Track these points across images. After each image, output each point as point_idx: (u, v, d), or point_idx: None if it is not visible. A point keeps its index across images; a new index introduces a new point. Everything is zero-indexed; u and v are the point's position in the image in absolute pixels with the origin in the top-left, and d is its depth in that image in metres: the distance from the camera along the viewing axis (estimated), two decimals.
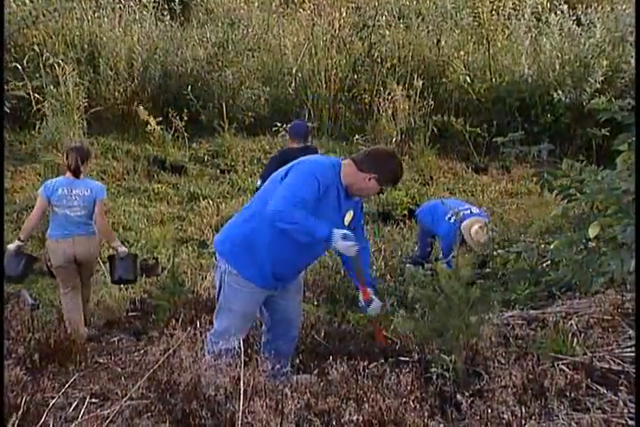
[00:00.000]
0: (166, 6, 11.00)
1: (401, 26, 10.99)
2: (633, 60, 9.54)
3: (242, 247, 3.10)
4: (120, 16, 10.55)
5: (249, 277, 3.11)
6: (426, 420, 2.38)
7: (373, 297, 3.29)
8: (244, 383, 2.50)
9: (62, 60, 8.47)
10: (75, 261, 4.60)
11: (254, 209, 3.14)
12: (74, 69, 8.15)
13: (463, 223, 5.56)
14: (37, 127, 7.39)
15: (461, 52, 10.58)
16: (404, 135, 9.66)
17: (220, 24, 10.99)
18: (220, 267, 3.18)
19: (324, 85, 10.26)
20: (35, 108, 8.03)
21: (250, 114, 10.06)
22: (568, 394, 2.51)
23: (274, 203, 2.93)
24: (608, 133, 8.51)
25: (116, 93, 9.80)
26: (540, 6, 11.10)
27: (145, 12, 10.78)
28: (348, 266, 3.40)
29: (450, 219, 5.58)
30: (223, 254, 3.17)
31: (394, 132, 9.57)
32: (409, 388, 2.58)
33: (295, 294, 3.38)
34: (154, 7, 10.86)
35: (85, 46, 9.96)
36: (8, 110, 6.68)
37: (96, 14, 10.37)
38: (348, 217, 3.18)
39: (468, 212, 5.76)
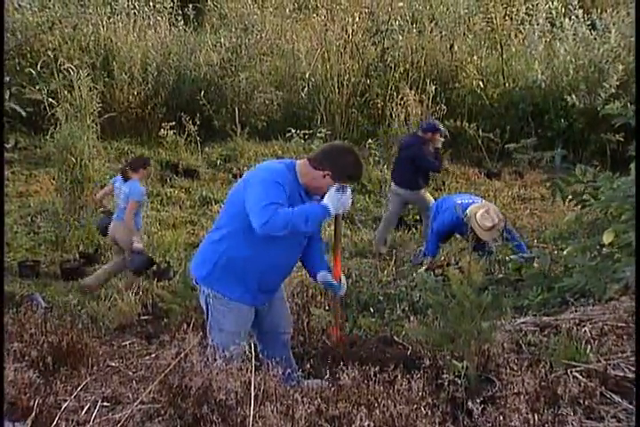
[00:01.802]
0: (180, 12, 11.10)
1: (414, 31, 10.99)
2: None
3: (222, 269, 3.06)
4: (134, 21, 10.66)
5: (237, 299, 3.08)
6: (437, 426, 2.36)
7: (342, 276, 3.27)
8: (254, 388, 2.50)
9: (77, 65, 8.55)
10: (113, 239, 5.92)
11: (224, 227, 3.11)
12: (88, 74, 8.21)
13: (467, 211, 5.47)
14: (51, 132, 7.45)
15: (474, 57, 10.56)
16: None
17: (233, 29, 11.06)
18: (202, 291, 3.14)
19: (337, 90, 10.29)
20: (49, 112, 8.11)
21: (262, 118, 10.11)
22: (582, 402, 2.48)
23: (254, 220, 2.90)
24: (622, 139, 8.50)
25: (130, 98, 9.89)
26: (554, 11, 11.06)
27: (159, 18, 10.88)
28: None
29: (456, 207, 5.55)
30: (203, 280, 3.13)
31: None
32: (420, 394, 2.56)
33: (280, 301, 3.35)
34: (168, 13, 10.96)
35: (100, 51, 10.07)
36: (24, 114, 6.73)
37: (111, 20, 10.49)
38: None
39: (469, 201, 5.71)
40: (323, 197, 3.07)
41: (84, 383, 2.84)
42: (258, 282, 3.10)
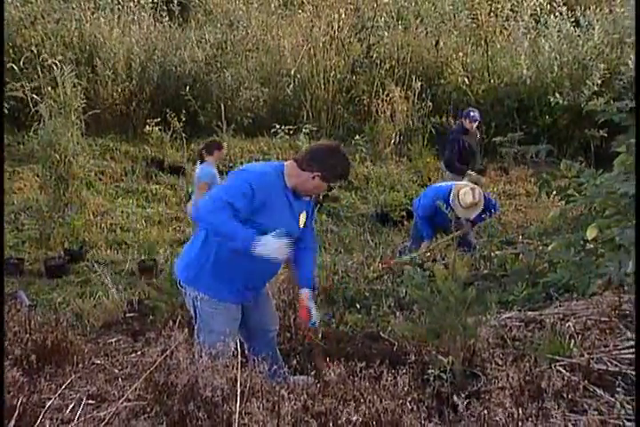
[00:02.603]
0: (165, 7, 11.02)
1: (399, 27, 11.01)
2: (631, 62, 9.56)
3: (208, 270, 3.03)
4: (118, 17, 10.57)
5: (225, 299, 3.06)
6: (423, 421, 2.38)
7: (312, 311, 3.18)
8: (240, 385, 2.49)
9: (60, 61, 8.46)
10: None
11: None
12: (72, 70, 8.13)
13: (454, 186, 5.63)
14: (35, 128, 7.38)
15: (460, 54, 10.58)
16: (402, 137, 9.68)
17: (218, 25, 11.02)
18: (189, 294, 3.10)
19: (323, 87, 10.27)
20: (32, 109, 8.03)
21: (248, 115, 10.08)
22: (565, 396, 2.50)
23: (199, 205, 2.91)
24: (606, 135, 8.57)
25: (114, 94, 9.81)
26: (538, 8, 11.12)
27: (143, 13, 10.79)
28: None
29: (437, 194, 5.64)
30: (190, 282, 3.09)
31: (392, 133, 9.58)
32: (406, 389, 2.57)
33: (265, 298, 3.35)
34: (152, 8, 10.88)
35: (84, 47, 9.97)
36: (6, 111, 6.66)
37: (94, 15, 10.38)
38: (303, 218, 3.11)
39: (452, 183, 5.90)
40: (311, 198, 3.08)
41: (68, 381, 2.82)
42: (244, 281, 3.09)
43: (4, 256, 6.36)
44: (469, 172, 7.16)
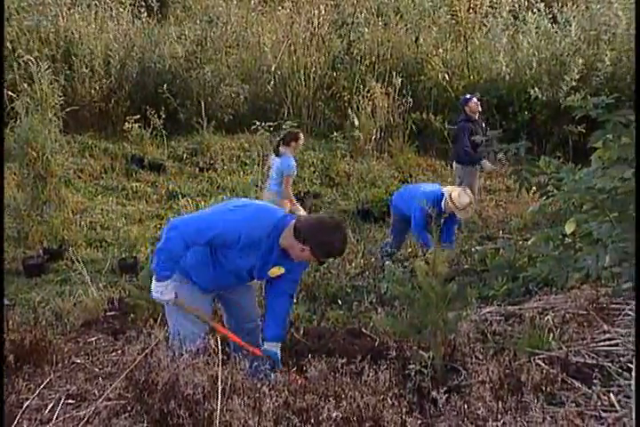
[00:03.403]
0: (143, 3, 10.90)
1: (379, 24, 11.02)
2: (607, 59, 9.67)
3: (181, 266, 3.10)
4: (96, 13, 10.43)
5: (194, 281, 3.15)
6: (403, 416, 2.39)
7: (270, 352, 3.13)
8: (222, 382, 2.49)
9: (36, 58, 8.36)
10: None
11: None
12: (49, 67, 8.03)
13: (444, 190, 5.75)
14: (11, 126, 7.27)
15: (440, 50, 10.63)
16: (383, 133, 9.70)
17: (198, 21, 10.92)
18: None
19: (304, 83, 10.26)
20: (8, 106, 7.91)
21: (229, 111, 10.03)
22: (544, 388, 2.53)
23: (183, 219, 2.99)
24: (584, 131, 8.66)
25: (93, 91, 9.70)
26: (516, 5, 11.20)
27: (121, 9, 10.67)
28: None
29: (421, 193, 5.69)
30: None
31: (373, 129, 9.59)
32: (387, 385, 2.58)
33: (245, 288, 3.35)
34: (130, 4, 10.76)
35: (60, 43, 9.83)
36: None
37: (71, 11, 10.24)
38: (276, 270, 3.09)
39: (439, 186, 5.97)
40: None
41: (47, 381, 2.79)
42: (212, 285, 3.17)
43: None
44: (483, 161, 7.27)
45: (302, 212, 6.36)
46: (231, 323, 3.36)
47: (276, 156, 6.52)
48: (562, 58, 10.02)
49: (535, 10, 10.68)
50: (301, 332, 3.76)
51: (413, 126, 9.78)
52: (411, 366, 2.87)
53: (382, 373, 2.65)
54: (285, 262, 3.07)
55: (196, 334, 3.01)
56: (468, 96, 7.57)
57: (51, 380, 2.86)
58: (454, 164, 7.60)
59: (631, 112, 3.98)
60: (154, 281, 3.00)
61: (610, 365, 2.67)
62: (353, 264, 5.62)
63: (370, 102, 9.67)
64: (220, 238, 2.94)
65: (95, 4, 10.50)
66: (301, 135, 6.73)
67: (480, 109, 7.52)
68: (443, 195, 5.71)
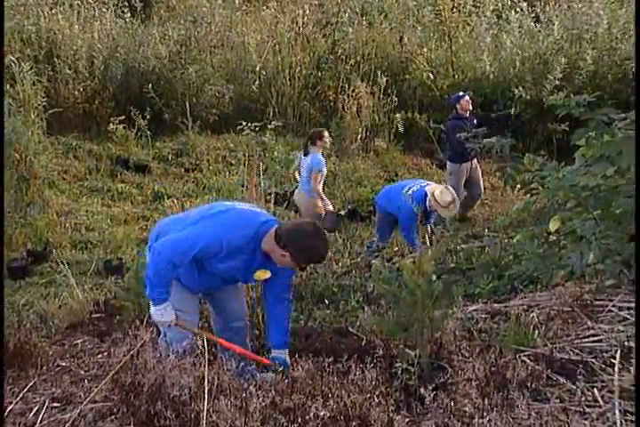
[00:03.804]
0: (126, 3, 10.83)
1: (364, 23, 11.02)
2: (589, 58, 9.76)
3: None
4: (78, 13, 10.35)
5: (182, 283, 3.18)
6: (390, 414, 2.40)
7: (279, 358, 3.14)
8: (208, 382, 2.49)
9: (18, 59, 8.27)
10: (298, 207, 6.92)
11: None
12: (31, 68, 7.96)
13: (427, 189, 5.74)
14: None
15: (424, 49, 10.65)
16: (368, 132, 9.71)
17: (182, 21, 10.87)
18: None
19: (289, 83, 10.24)
20: None
21: (214, 112, 10.00)
22: (529, 385, 2.55)
23: (168, 240, 2.99)
24: (567, 129, 8.73)
25: (76, 93, 9.63)
26: (500, 4, 11.26)
27: (104, 10, 10.59)
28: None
29: (407, 193, 5.70)
30: None
31: (358, 128, 9.61)
32: (374, 383, 2.59)
33: (233, 288, 3.37)
34: (114, 4, 10.69)
35: (43, 44, 9.74)
36: None
37: (53, 11, 10.15)
38: (262, 274, 3.10)
39: (424, 184, 5.96)
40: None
41: (31, 384, 2.77)
42: (200, 287, 3.21)
43: None
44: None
45: (331, 206, 6.64)
46: (219, 322, 3.38)
47: (305, 155, 6.68)
48: (545, 57, 10.08)
49: (518, 9, 10.75)
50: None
51: (399, 125, 9.80)
52: (397, 365, 2.88)
53: (369, 371, 2.65)
54: (270, 266, 3.09)
55: (183, 334, 3.02)
56: (460, 93, 7.61)
57: (35, 383, 2.84)
58: (447, 162, 7.69)
59: (613, 110, 4.02)
60: (152, 306, 3.03)
61: (593, 361, 2.70)
62: (340, 264, 5.61)
63: (355, 102, 9.68)
64: (205, 251, 2.97)
65: (78, 5, 10.41)
66: (326, 133, 6.85)
67: (471, 108, 7.55)
68: (427, 194, 5.73)
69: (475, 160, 7.58)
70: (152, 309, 3.04)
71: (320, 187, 6.63)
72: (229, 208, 3.14)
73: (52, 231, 6.93)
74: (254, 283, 3.20)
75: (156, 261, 2.95)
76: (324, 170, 6.68)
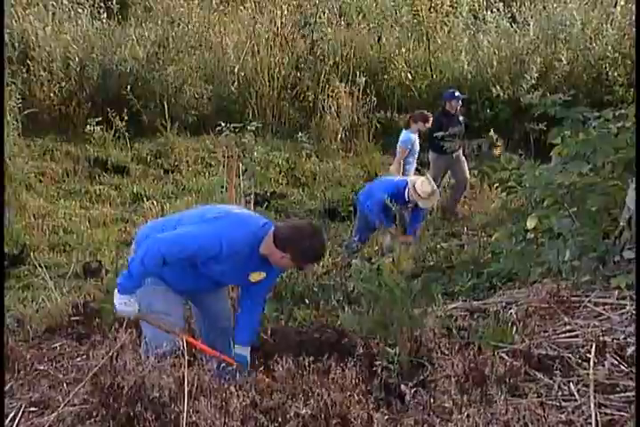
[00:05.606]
0: (102, 4, 10.73)
1: (342, 23, 11.05)
2: (564, 58, 9.89)
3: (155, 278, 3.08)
4: (53, 14, 10.23)
5: (168, 284, 3.13)
6: (370, 412, 2.41)
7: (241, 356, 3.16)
8: (188, 383, 2.48)
9: None
10: None
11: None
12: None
13: (408, 182, 5.84)
14: None
15: (402, 50, 10.70)
16: (348, 132, 9.73)
17: (159, 22, 10.81)
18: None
19: (268, 83, 10.23)
20: None
21: (192, 113, 9.95)
22: (507, 381, 2.58)
23: (170, 233, 2.97)
24: (545, 128, 8.83)
25: (52, 94, 9.52)
26: (476, 4, 11.36)
27: (80, 10, 10.49)
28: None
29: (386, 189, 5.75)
30: None
31: (338, 128, 9.63)
32: (354, 381, 2.60)
33: (221, 293, 3.38)
34: (90, 5, 10.59)
35: (16, 45, 9.62)
36: None
37: (26, 11, 10.03)
38: (257, 276, 3.11)
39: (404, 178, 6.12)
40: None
41: (7, 388, 2.74)
42: (188, 289, 3.18)
43: None
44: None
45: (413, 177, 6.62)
46: (204, 323, 3.36)
47: (405, 128, 7.33)
48: (521, 57, 10.19)
49: (494, 9, 10.85)
50: (269, 332, 3.75)
51: (378, 125, 9.83)
52: (377, 363, 2.89)
53: (349, 370, 2.66)
54: (265, 268, 3.09)
55: (164, 335, 2.99)
56: (456, 94, 7.68)
57: (12, 388, 2.80)
58: (430, 153, 7.82)
59: (587, 109, 4.08)
60: (116, 293, 2.97)
61: (570, 356, 2.73)
62: (320, 263, 5.62)
63: (334, 102, 9.70)
64: (203, 250, 2.94)
65: (52, 5, 10.30)
66: (431, 120, 7.32)
67: (457, 111, 7.65)
68: (407, 184, 5.79)
69: (459, 151, 7.57)
70: (116, 296, 2.97)
71: (399, 163, 7.26)
72: (227, 213, 3.13)
73: (29, 234, 6.85)
74: (246, 284, 3.17)
75: (147, 250, 2.90)
76: (409, 148, 7.22)
